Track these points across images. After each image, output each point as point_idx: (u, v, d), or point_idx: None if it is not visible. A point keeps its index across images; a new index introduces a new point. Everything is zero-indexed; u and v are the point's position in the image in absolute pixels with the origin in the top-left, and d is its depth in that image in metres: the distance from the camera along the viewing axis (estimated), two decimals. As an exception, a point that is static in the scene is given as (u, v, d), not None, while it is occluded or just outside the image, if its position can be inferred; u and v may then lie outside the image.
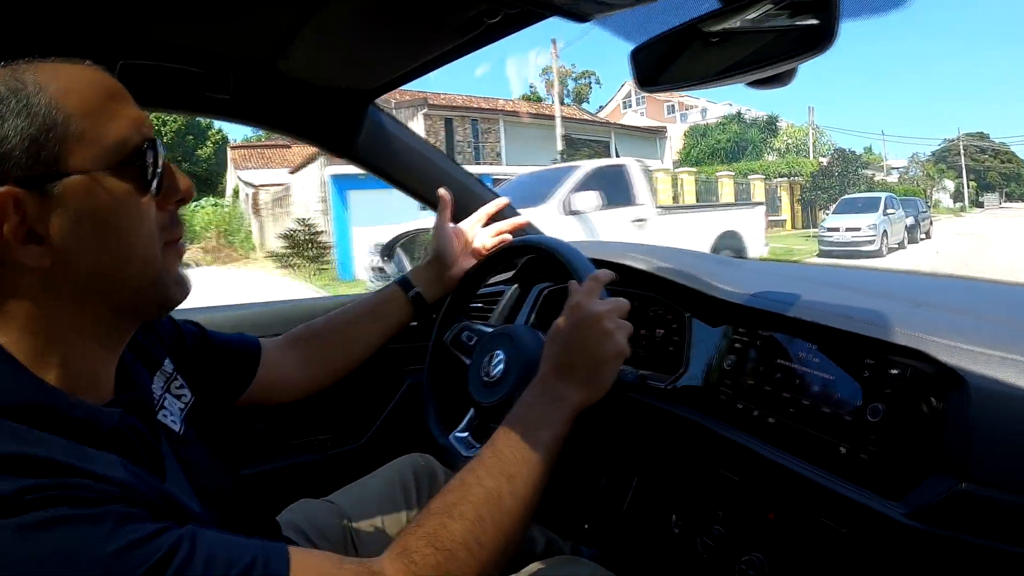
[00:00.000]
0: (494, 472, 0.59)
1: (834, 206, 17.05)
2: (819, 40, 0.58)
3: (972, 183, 39.69)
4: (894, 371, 0.67)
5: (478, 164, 16.84)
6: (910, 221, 16.37)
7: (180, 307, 0.59)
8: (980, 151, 41.26)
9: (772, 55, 0.64)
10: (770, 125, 29.66)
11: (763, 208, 8.80)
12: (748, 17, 0.65)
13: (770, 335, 0.83)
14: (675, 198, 17.80)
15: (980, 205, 38.62)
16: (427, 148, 1.25)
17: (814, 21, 0.59)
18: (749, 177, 21.68)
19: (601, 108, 30.77)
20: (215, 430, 0.71)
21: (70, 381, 0.50)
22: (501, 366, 0.86)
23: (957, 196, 37.94)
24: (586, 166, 6.88)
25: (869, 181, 26.42)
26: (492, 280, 1.30)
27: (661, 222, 6.99)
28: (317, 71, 1.04)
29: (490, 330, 0.97)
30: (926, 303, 0.82)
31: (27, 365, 0.48)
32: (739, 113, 30.07)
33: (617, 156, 21.98)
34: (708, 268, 0.99)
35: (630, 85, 29.79)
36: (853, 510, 0.65)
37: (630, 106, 31.07)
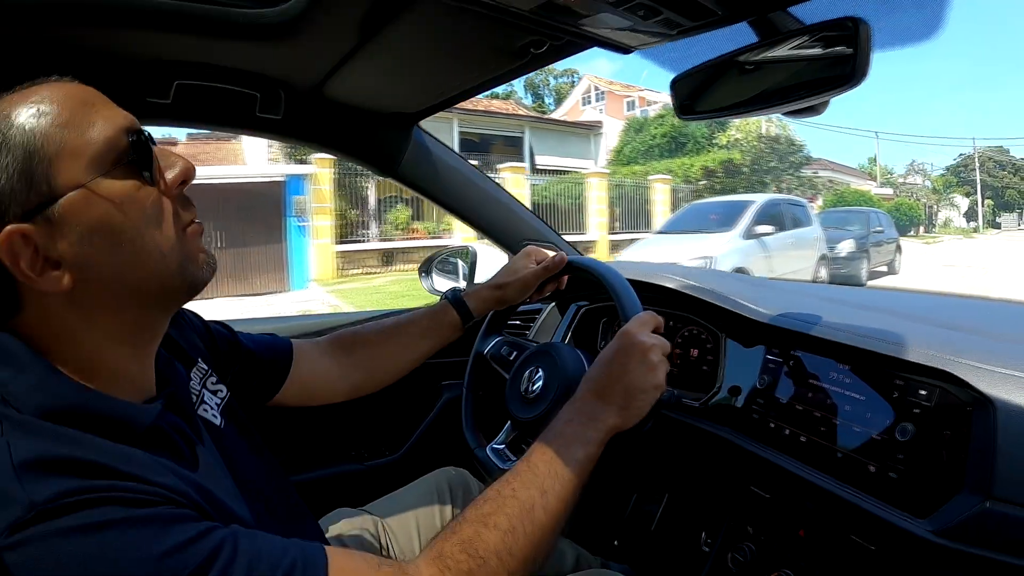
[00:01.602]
0: (529, 485, 0.61)
1: (666, 220, 9.46)
2: (850, 75, 0.61)
3: (988, 201, 36.44)
4: (923, 392, 0.69)
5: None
6: (846, 248, 9.36)
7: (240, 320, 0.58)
8: (999, 167, 39.21)
9: (805, 88, 0.67)
10: (717, 117, 24.22)
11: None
12: (783, 51, 0.69)
13: (803, 355, 0.85)
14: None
15: (996, 226, 35.44)
16: (469, 170, 1.28)
17: (845, 52, 0.63)
18: (650, 178, 14.96)
19: (560, 104, 28.62)
20: (254, 429, 0.72)
21: (108, 384, 0.52)
22: (541, 383, 0.88)
23: (971, 215, 34.50)
24: None
25: (809, 183, 18.98)
26: None
27: None
28: (364, 96, 1.07)
29: (532, 345, 0.99)
30: (955, 325, 0.84)
31: (65, 372, 0.49)
32: (680, 104, 24.23)
33: (532, 156, 17.42)
34: (742, 289, 1.02)
35: (589, 79, 27.61)
36: (882, 527, 0.67)
37: (590, 102, 26.76)
